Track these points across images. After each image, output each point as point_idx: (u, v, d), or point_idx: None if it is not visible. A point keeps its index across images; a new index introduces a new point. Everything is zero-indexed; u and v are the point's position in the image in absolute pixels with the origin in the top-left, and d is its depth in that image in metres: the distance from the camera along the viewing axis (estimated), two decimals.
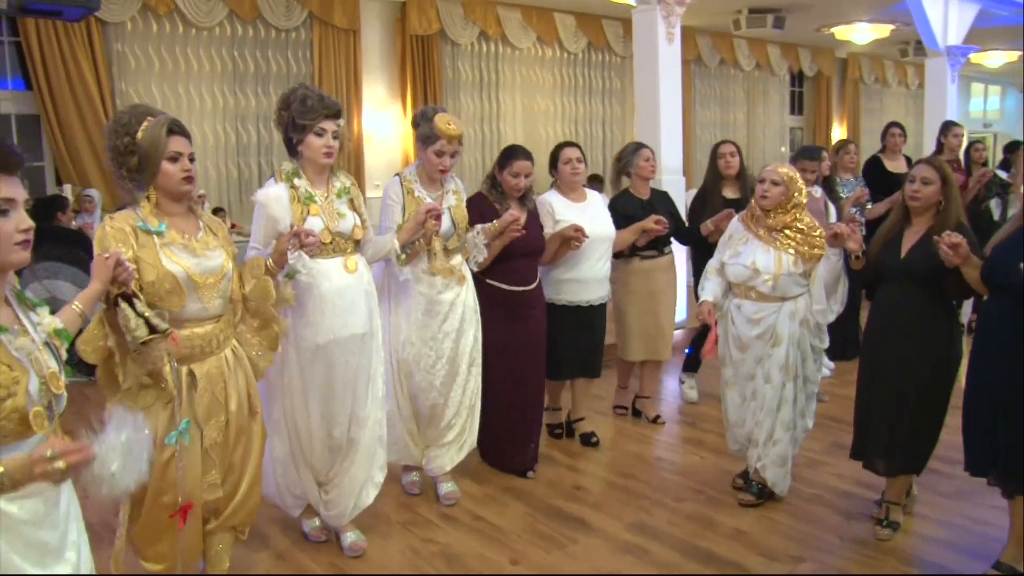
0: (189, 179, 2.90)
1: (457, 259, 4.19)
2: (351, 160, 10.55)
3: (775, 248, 4.06)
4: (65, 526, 2.02)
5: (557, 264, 4.78)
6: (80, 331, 2.58)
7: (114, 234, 2.79)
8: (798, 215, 4.10)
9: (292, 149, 3.53)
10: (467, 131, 11.50)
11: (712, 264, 4.37)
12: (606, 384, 5.82)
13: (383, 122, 10.90)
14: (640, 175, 5.28)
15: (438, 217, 3.91)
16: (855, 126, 16.39)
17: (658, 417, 5.58)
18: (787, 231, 4.07)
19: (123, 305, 2.57)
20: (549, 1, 11.49)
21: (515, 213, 4.25)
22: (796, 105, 15.92)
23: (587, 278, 4.84)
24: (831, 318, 4.09)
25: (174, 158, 2.86)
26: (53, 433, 1.98)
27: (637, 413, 5.67)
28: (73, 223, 7.72)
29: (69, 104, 8.78)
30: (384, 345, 3.93)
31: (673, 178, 7.53)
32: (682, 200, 6.60)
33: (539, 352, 4.66)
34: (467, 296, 4.22)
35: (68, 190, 8.41)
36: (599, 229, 4.80)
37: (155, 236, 2.83)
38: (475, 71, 11.53)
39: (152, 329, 2.58)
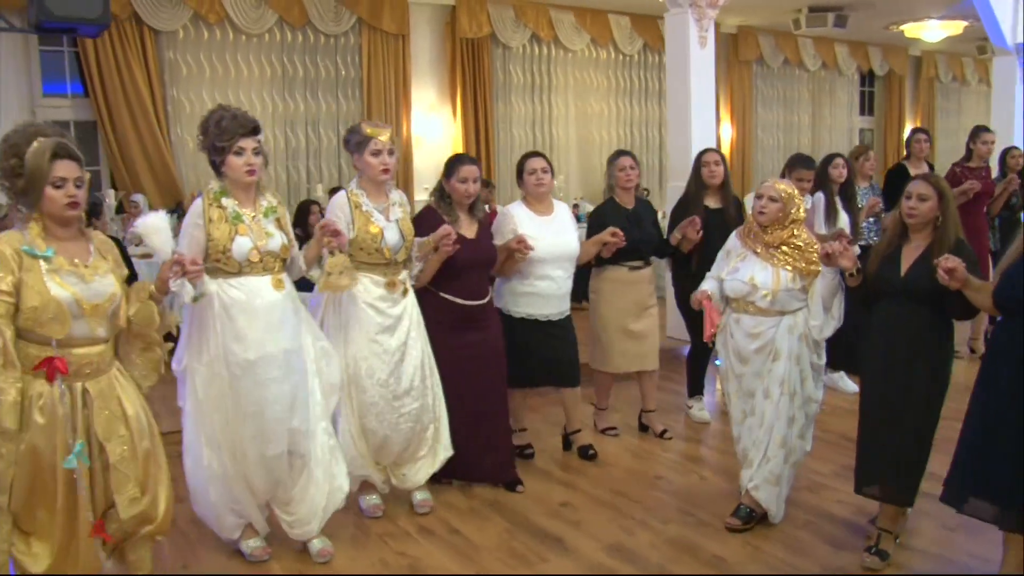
0: (73, 205, 2.86)
1: (404, 272, 4.17)
2: (400, 163, 10.62)
3: (772, 264, 4.01)
4: None
5: (514, 276, 4.72)
6: None
7: None
8: (796, 231, 4.04)
9: (217, 170, 3.57)
10: (518, 134, 11.52)
11: (710, 275, 4.30)
12: (619, 399, 5.77)
13: (432, 126, 10.96)
14: (620, 185, 5.17)
15: (456, 241, 4.08)
16: (931, 127, 15.75)
17: (665, 432, 5.45)
18: (784, 247, 4.02)
19: None
20: (603, 2, 11.36)
21: (448, 228, 4.15)
22: (866, 106, 15.38)
23: (546, 293, 4.75)
24: (828, 333, 4.01)
25: (58, 184, 2.82)
26: None
27: (644, 428, 5.54)
28: (114, 227, 7.97)
29: (123, 111, 9.09)
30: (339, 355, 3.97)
31: None
32: None
33: (496, 362, 4.59)
34: (412, 309, 4.20)
35: (111, 195, 8.68)
36: (560, 244, 4.75)
37: (42, 261, 2.79)
38: (526, 74, 11.48)
39: None
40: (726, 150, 12.64)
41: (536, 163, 4.78)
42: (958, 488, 3.44)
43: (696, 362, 5.72)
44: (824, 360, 4.16)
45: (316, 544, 3.85)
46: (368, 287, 4.02)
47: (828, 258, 3.74)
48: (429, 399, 4.25)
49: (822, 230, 5.83)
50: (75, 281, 2.84)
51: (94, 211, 7.22)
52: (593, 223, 5.19)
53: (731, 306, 4.18)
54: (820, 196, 5.88)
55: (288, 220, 3.75)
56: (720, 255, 4.29)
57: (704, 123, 7.45)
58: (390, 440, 4.16)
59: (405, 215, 4.19)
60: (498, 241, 4.62)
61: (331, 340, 3.98)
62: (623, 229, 4.89)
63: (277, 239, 3.58)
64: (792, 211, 4.03)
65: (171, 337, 3.38)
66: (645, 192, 5.87)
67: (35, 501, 2.89)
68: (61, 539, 2.90)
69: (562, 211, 4.92)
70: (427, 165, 10.92)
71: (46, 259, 2.80)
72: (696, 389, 5.79)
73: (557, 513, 4.43)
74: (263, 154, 3.54)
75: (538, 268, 4.67)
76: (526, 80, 11.49)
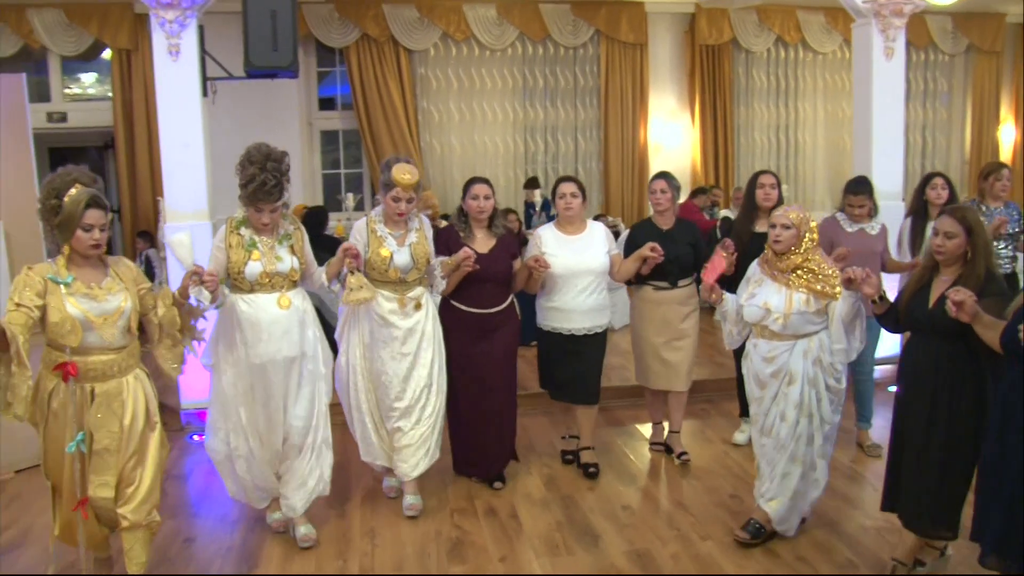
0: (96, 247, 3.40)
1: (417, 290, 4.48)
2: (635, 170, 10.95)
3: (787, 288, 4.00)
4: None
5: (542, 292, 4.90)
6: None
7: (25, 280, 3.31)
8: (809, 256, 4.00)
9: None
10: (760, 140, 11.36)
11: (732, 299, 4.28)
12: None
13: (671, 132, 11.14)
14: (653, 207, 5.11)
15: (476, 261, 4.42)
16: None
17: (683, 454, 5.26)
18: (798, 271, 4.00)
19: None
20: None
21: (467, 252, 4.42)
22: None
23: (570, 308, 4.85)
24: (853, 356, 4.01)
25: (87, 228, 3.36)
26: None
27: (669, 449, 5.39)
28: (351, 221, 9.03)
29: (380, 121, 10.30)
30: (357, 361, 4.48)
31: (888, 203, 6.61)
32: (896, 229, 5.77)
33: (505, 367, 4.79)
34: (426, 323, 4.50)
35: (349, 198, 9.81)
36: (581, 262, 4.82)
37: (62, 286, 3.34)
38: (770, 78, 11.30)
39: None
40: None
41: (566, 188, 4.90)
42: None
43: (741, 385, 5.45)
44: (844, 384, 4.05)
45: (301, 529, 4.24)
46: (381, 302, 4.39)
47: (849, 283, 3.73)
48: (430, 406, 4.54)
49: (907, 258, 5.41)
50: (87, 301, 3.37)
51: (322, 217, 8.07)
52: (627, 243, 5.17)
53: (752, 332, 4.19)
54: (908, 222, 5.46)
55: (304, 244, 4.18)
56: (743, 282, 4.28)
57: (888, 139, 6.96)
58: (392, 434, 4.56)
59: (421, 240, 4.46)
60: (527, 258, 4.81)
61: (348, 346, 4.48)
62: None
63: (287, 263, 4.03)
64: (806, 235, 4.00)
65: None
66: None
67: (56, 473, 3.51)
68: (66, 512, 3.55)
69: (595, 231, 4.98)
70: (665, 170, 11.12)
71: (66, 285, 3.35)
72: (744, 411, 5.51)
73: (613, 514, 4.55)
74: (285, 206, 4.07)
75: (559, 283, 4.83)
76: (769, 84, 11.32)
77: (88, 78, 10.62)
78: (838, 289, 3.86)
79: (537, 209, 9.96)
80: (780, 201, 5.14)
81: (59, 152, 10.62)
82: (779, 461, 4.06)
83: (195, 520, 4.64)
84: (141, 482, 3.55)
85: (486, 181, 4.76)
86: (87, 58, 10.06)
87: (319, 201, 10.29)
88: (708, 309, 6.94)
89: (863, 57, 7.01)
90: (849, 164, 10.95)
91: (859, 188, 5.14)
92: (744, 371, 4.26)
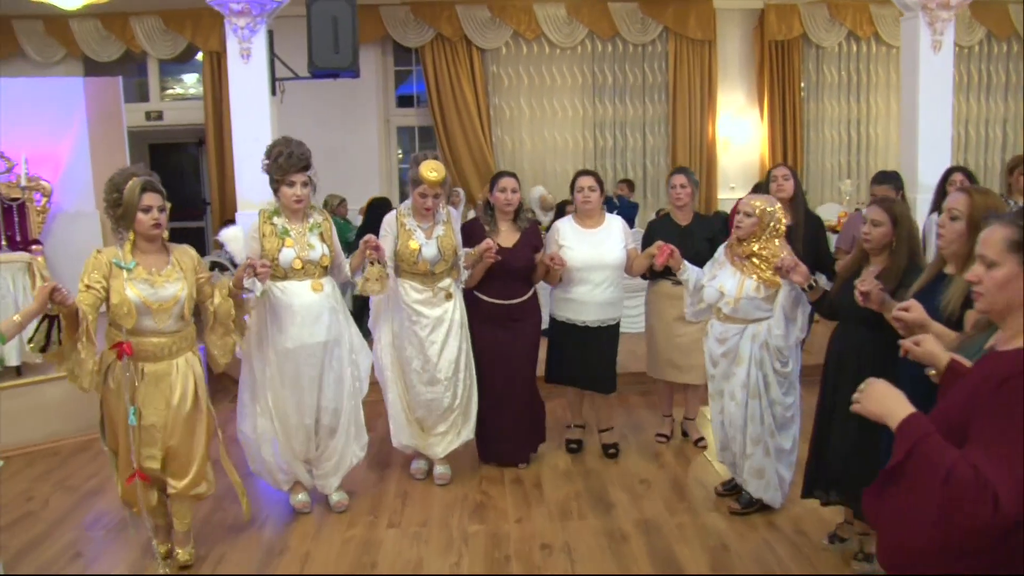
0: (157, 226, 3.70)
1: (446, 281, 4.74)
2: (703, 164, 11.10)
3: (741, 273, 4.23)
4: None
5: (559, 283, 5.04)
6: (20, 335, 3.51)
7: (94, 263, 3.66)
8: (768, 246, 4.19)
9: (275, 192, 4.40)
10: (830, 135, 11.36)
11: (693, 271, 4.54)
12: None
13: (740, 127, 11.23)
14: (671, 202, 5.26)
15: (500, 254, 4.69)
16: None
17: (700, 440, 5.47)
18: (754, 259, 4.20)
19: (43, 324, 3.42)
20: None
21: (489, 243, 4.63)
22: None
23: (585, 300, 5.01)
24: (791, 342, 4.17)
25: (146, 210, 3.67)
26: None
27: (686, 434, 5.64)
28: None
29: (453, 117, 10.74)
30: (386, 349, 4.79)
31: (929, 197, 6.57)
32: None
33: (527, 355, 5.04)
34: (454, 313, 4.76)
35: None
36: (596, 256, 4.97)
37: (124, 271, 3.65)
38: (841, 73, 11.26)
39: (44, 347, 3.45)
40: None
41: (584, 181, 5.05)
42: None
43: None
44: (791, 368, 4.22)
45: (334, 497, 4.61)
46: (410, 292, 4.69)
47: (779, 271, 3.95)
48: (459, 389, 4.82)
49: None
50: (145, 287, 3.67)
51: (386, 207, 8.60)
52: (644, 238, 5.32)
53: (712, 313, 4.42)
54: (931, 217, 5.28)
55: (333, 234, 4.48)
56: (709, 263, 4.48)
57: (934, 133, 6.99)
58: (422, 415, 4.87)
59: (448, 233, 4.72)
60: (548, 251, 5.01)
61: (380, 333, 4.82)
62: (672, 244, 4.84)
63: (318, 250, 4.32)
64: (769, 224, 4.19)
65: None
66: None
67: (115, 445, 3.87)
68: (124, 477, 3.90)
69: (613, 225, 5.12)
70: (734, 166, 11.27)
71: (128, 270, 3.65)
72: None
73: (630, 487, 4.85)
74: (312, 184, 4.33)
75: (574, 275, 4.97)
76: (840, 79, 11.28)
77: (183, 79, 11.40)
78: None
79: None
80: (795, 192, 5.32)
81: (158, 148, 11.49)
82: (740, 441, 4.30)
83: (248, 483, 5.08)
84: (188, 459, 3.86)
85: (513, 175, 4.99)
86: (182, 60, 10.85)
87: (395, 194, 10.81)
88: None
89: (910, 51, 7.08)
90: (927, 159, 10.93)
91: (882, 179, 5.31)
92: (705, 349, 4.49)
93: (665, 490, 4.81)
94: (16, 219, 6.46)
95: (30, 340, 3.43)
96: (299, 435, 4.43)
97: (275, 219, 4.34)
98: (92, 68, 10.48)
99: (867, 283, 3.32)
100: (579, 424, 5.51)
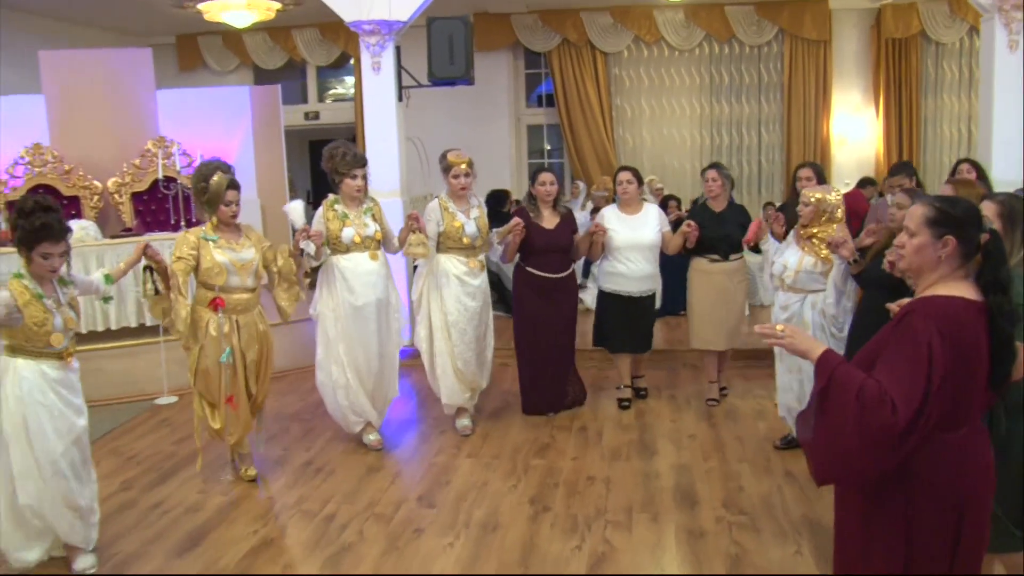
0: (234, 216, 4.74)
1: (482, 255, 5.78)
2: (818, 160, 11.47)
3: (803, 252, 4.94)
4: None
5: (603, 259, 6.07)
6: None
7: (183, 240, 4.67)
8: (826, 229, 4.87)
9: (335, 185, 5.36)
10: (948, 131, 11.52)
11: (773, 243, 5.43)
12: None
13: (855, 125, 11.56)
14: (707, 193, 6.09)
15: (523, 228, 5.68)
16: None
17: (723, 389, 6.40)
18: (814, 240, 4.91)
19: (146, 274, 4.41)
20: None
21: (517, 220, 5.69)
22: None
23: (628, 274, 5.99)
24: (838, 311, 4.82)
25: (228, 203, 4.69)
26: (70, 346, 3.90)
27: (724, 390, 6.46)
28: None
29: (578, 116, 11.63)
30: (436, 313, 5.69)
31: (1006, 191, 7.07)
32: None
33: (566, 324, 6.02)
34: (485, 282, 5.81)
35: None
36: (635, 237, 5.95)
37: (211, 242, 4.70)
38: (962, 69, 11.37)
39: (156, 291, 4.44)
40: None
41: (623, 176, 6.07)
42: None
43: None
44: (844, 333, 4.82)
45: (370, 437, 5.54)
46: (455, 264, 5.63)
47: (831, 247, 4.65)
48: (489, 347, 5.88)
49: None
50: (230, 252, 4.72)
51: (502, 199, 9.61)
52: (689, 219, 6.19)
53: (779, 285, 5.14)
54: None
55: (383, 214, 5.50)
56: (784, 241, 5.24)
57: (1008, 129, 7.20)
58: (472, 372, 5.78)
59: (482, 214, 5.74)
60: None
61: (429, 300, 5.70)
62: (707, 228, 5.88)
63: (371, 228, 5.32)
64: (825, 211, 4.89)
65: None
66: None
67: (210, 384, 4.81)
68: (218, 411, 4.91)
69: (650, 211, 6.11)
70: (849, 162, 11.62)
71: (214, 241, 4.71)
72: None
73: (678, 439, 5.59)
74: (367, 178, 5.34)
75: (617, 254, 5.99)
76: (961, 75, 11.40)
77: (344, 80, 12.81)
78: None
79: None
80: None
81: (316, 144, 12.94)
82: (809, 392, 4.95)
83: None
84: (265, 381, 5.05)
85: (550, 170, 6.02)
86: (337, 66, 12.25)
87: (523, 187, 11.80)
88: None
89: (988, 50, 7.39)
90: None
91: (896, 170, 5.95)
92: (773, 318, 5.22)
93: (706, 443, 5.54)
94: (193, 205, 7.83)
95: (143, 291, 4.51)
96: (368, 378, 5.41)
97: (336, 206, 5.34)
98: (260, 75, 12.09)
99: (837, 237, 4.20)
100: (627, 384, 6.37)
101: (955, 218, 2.46)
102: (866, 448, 2.36)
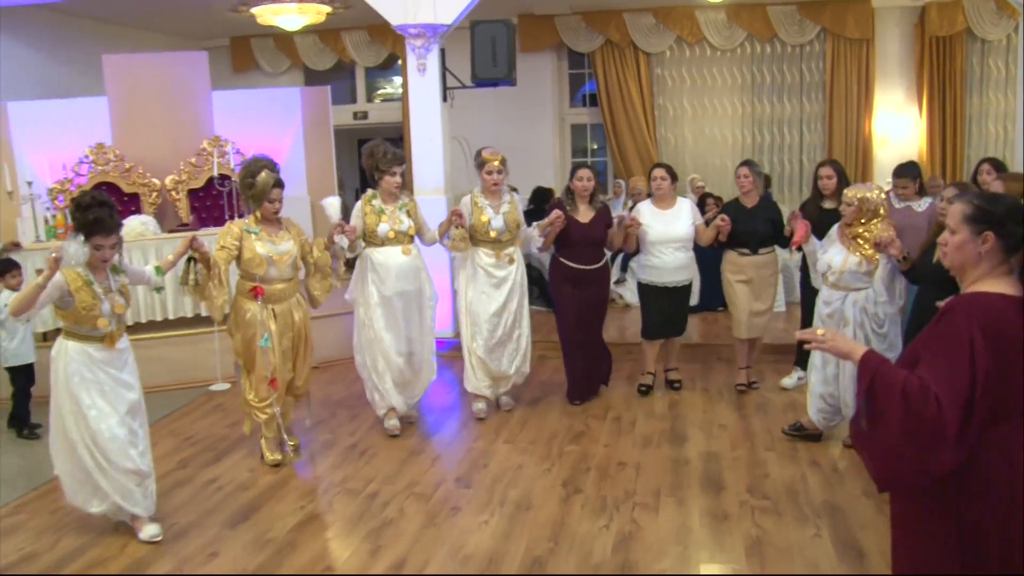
0: (277, 212, 5.05)
1: (511, 248, 6.00)
2: (860, 159, 11.53)
3: (848, 251, 5.07)
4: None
5: (641, 252, 6.36)
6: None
7: (227, 231, 5.00)
8: (871, 228, 5.00)
9: (373, 181, 5.65)
10: (994, 130, 11.43)
11: (816, 243, 5.49)
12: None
13: (898, 124, 11.53)
14: (739, 189, 6.31)
15: (579, 228, 6.00)
16: None
17: (753, 383, 6.61)
18: (858, 239, 5.04)
19: (188, 265, 4.69)
20: None
21: (558, 212, 5.93)
22: None
23: (662, 266, 6.26)
24: (892, 309, 4.98)
25: (272, 200, 5.01)
26: (117, 329, 4.25)
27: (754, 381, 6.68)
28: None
29: (621, 115, 11.80)
30: (462, 302, 6.02)
31: None
32: None
33: (597, 312, 6.32)
34: (517, 274, 6.03)
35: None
36: (671, 231, 6.21)
37: (253, 235, 5.01)
38: (1008, 66, 11.23)
39: (196, 282, 4.72)
40: None
41: (657, 172, 6.35)
42: None
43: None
44: (887, 329, 4.99)
45: (391, 423, 5.79)
46: (483, 257, 5.93)
47: (878, 247, 4.79)
48: (522, 338, 6.10)
49: None
50: (270, 245, 5.04)
51: (547, 197, 9.86)
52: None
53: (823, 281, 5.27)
54: None
55: (418, 210, 5.81)
56: (825, 238, 5.35)
57: None
58: (494, 359, 6.03)
59: (512, 210, 5.98)
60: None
61: (459, 290, 6.07)
62: (738, 223, 6.11)
63: (406, 224, 5.65)
64: (867, 211, 5.00)
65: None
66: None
67: (251, 365, 5.16)
68: (258, 387, 5.19)
69: (683, 206, 6.34)
70: (892, 160, 11.46)
71: (255, 234, 5.02)
72: (799, 360, 6.48)
73: (708, 429, 5.76)
74: (404, 176, 5.65)
75: (652, 247, 6.26)
76: (1008, 72, 11.29)
77: (393, 79, 13.13)
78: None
79: None
80: (840, 185, 6.03)
81: (364, 142, 13.32)
82: (849, 388, 4.99)
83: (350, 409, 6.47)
84: (304, 366, 5.34)
85: (588, 166, 6.28)
86: (384, 67, 12.57)
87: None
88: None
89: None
90: None
91: (901, 172, 6.07)
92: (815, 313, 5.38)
93: (736, 433, 5.70)
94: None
95: (182, 279, 4.78)
96: (395, 363, 5.68)
97: (373, 201, 5.64)
98: (311, 76, 12.47)
99: (883, 237, 4.45)
100: (650, 371, 6.61)
101: (994, 214, 2.47)
102: (914, 445, 2.36)
